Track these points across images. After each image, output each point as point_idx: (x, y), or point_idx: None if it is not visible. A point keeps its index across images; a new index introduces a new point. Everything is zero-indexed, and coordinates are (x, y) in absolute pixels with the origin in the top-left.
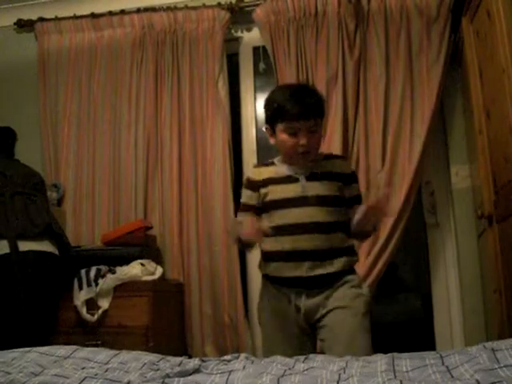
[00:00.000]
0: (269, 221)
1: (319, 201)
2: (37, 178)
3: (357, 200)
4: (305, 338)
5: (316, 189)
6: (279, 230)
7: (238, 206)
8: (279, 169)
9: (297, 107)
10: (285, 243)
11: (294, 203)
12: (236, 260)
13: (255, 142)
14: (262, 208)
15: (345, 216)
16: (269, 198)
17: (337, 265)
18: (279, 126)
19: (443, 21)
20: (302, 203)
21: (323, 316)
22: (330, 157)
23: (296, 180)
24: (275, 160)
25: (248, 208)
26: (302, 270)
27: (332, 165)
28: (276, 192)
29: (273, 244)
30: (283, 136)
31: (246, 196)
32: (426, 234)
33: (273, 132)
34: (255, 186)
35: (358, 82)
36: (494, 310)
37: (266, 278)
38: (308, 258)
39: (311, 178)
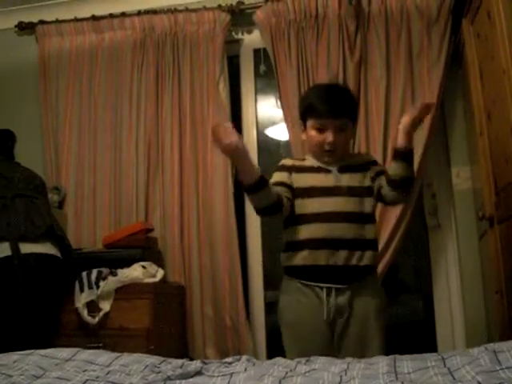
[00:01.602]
0: (299, 208)
1: (351, 191)
2: (38, 181)
3: (382, 172)
4: (330, 336)
5: (348, 180)
6: (310, 218)
7: (239, 208)
8: (310, 161)
9: (326, 105)
10: (318, 231)
11: (327, 192)
12: (237, 262)
13: (256, 143)
14: (294, 193)
15: (373, 207)
16: (300, 184)
17: (368, 258)
18: (309, 122)
19: (444, 22)
20: (335, 193)
21: (347, 323)
22: (354, 154)
23: (327, 171)
24: (306, 156)
25: (279, 184)
26: (339, 258)
27: (359, 158)
28: (307, 180)
29: (303, 232)
30: (312, 132)
31: (278, 176)
32: (428, 236)
33: (304, 128)
34: (287, 169)
35: (359, 84)
36: (495, 311)
37: (290, 273)
38: (343, 247)
39: (342, 169)
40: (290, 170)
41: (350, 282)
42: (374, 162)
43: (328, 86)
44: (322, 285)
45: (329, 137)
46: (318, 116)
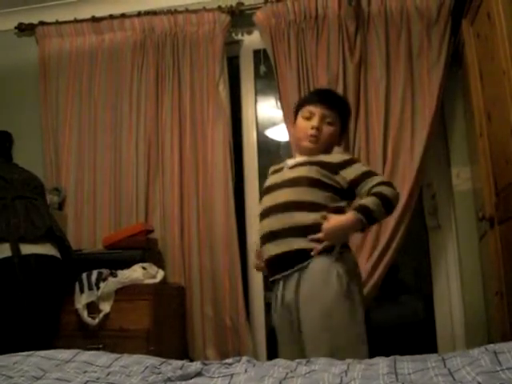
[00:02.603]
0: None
1: (288, 183)
2: (37, 182)
3: (363, 177)
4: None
5: (292, 173)
6: (261, 216)
7: (239, 208)
8: (283, 164)
9: (316, 94)
10: (263, 227)
11: (271, 189)
12: (237, 263)
13: (256, 144)
14: None
15: (324, 199)
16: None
17: (299, 243)
18: (299, 114)
19: (443, 23)
20: (276, 188)
21: (298, 311)
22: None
23: (280, 170)
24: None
25: None
26: (274, 249)
27: (325, 157)
28: (268, 181)
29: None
30: (300, 121)
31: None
32: (428, 237)
33: (295, 122)
34: (268, 175)
35: (359, 85)
36: (495, 312)
37: None
38: (277, 237)
39: (295, 166)
40: (268, 175)
41: (286, 269)
42: (344, 164)
43: (324, 88)
44: (271, 278)
45: (314, 121)
46: (307, 103)
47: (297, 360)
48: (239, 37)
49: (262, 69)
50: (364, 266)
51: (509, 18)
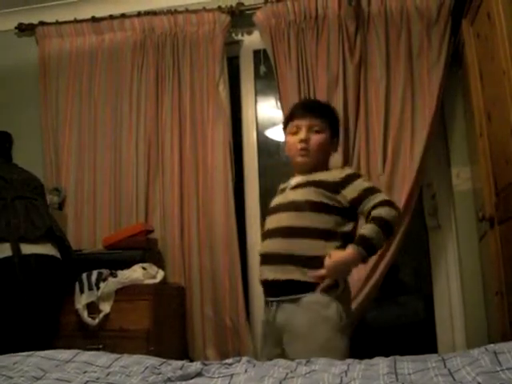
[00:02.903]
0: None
1: (292, 206)
2: (36, 182)
3: (365, 194)
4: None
5: (295, 195)
6: (263, 236)
7: (239, 208)
8: (286, 183)
9: (301, 107)
10: (263, 247)
11: (275, 210)
12: (237, 263)
13: (256, 145)
14: None
15: (328, 224)
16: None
17: (291, 272)
18: (287, 130)
19: (443, 23)
20: (280, 210)
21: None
22: (331, 169)
23: (285, 189)
24: None
25: None
26: (266, 273)
27: (325, 174)
28: (273, 201)
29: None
30: (289, 138)
31: None
32: (428, 237)
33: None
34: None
35: (359, 85)
36: (495, 312)
37: None
38: (274, 262)
39: (296, 186)
40: (277, 193)
41: (277, 295)
42: (344, 182)
43: (309, 99)
44: (266, 299)
45: (301, 134)
46: (292, 118)
47: (297, 360)
48: (239, 37)
49: (262, 69)
50: (364, 266)
51: (509, 18)
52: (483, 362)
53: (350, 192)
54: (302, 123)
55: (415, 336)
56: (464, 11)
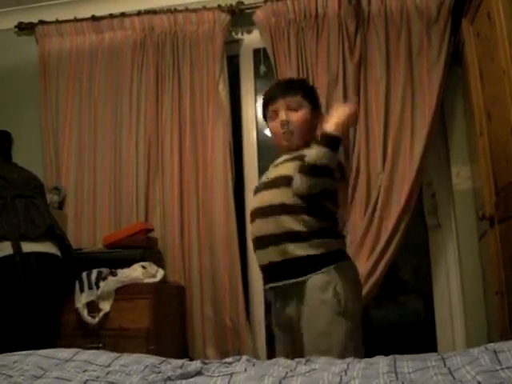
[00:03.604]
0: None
1: (272, 183)
2: (36, 181)
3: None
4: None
5: (274, 172)
6: (250, 217)
7: (239, 208)
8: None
9: (274, 88)
10: (252, 231)
11: (257, 190)
12: (237, 263)
13: (256, 144)
14: None
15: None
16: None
17: (294, 251)
18: (267, 116)
19: (443, 22)
20: (260, 189)
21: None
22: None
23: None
24: None
25: None
26: (262, 257)
27: (306, 150)
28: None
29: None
30: (270, 125)
31: None
32: (427, 236)
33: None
34: None
35: (359, 84)
36: (495, 311)
37: None
38: (268, 243)
39: (277, 164)
40: None
41: (282, 278)
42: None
43: (278, 81)
44: (268, 286)
45: (281, 116)
46: (269, 103)
47: (296, 359)
48: (239, 36)
49: (262, 68)
50: (364, 264)
51: (509, 17)
52: (483, 361)
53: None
54: (278, 105)
55: (415, 335)
56: (464, 10)
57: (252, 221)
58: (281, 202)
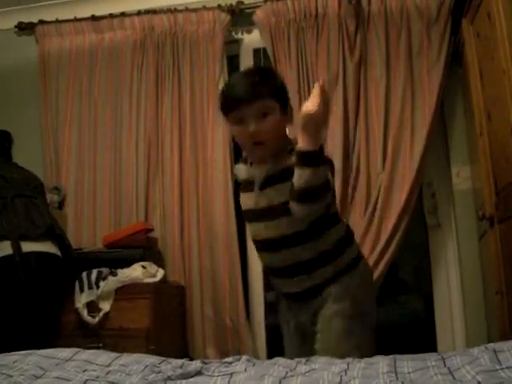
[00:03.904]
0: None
1: (272, 214)
2: (36, 181)
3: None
4: None
5: (267, 199)
6: (256, 246)
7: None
8: (244, 170)
9: (236, 91)
10: (266, 260)
11: (257, 217)
12: (237, 263)
13: None
14: None
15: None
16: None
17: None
18: (228, 119)
19: (443, 22)
20: (259, 217)
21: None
22: (289, 148)
23: (253, 187)
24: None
25: None
26: (285, 287)
27: (287, 161)
28: (242, 200)
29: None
30: (234, 128)
31: None
32: (427, 236)
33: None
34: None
35: (359, 84)
36: (495, 311)
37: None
38: (282, 275)
39: (266, 183)
40: (239, 177)
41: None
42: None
43: (240, 72)
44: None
45: (249, 127)
46: (231, 107)
47: (296, 359)
48: (239, 36)
49: None
50: None
51: (509, 17)
52: (483, 361)
53: None
54: (245, 113)
55: (415, 334)
56: (464, 10)
57: (263, 251)
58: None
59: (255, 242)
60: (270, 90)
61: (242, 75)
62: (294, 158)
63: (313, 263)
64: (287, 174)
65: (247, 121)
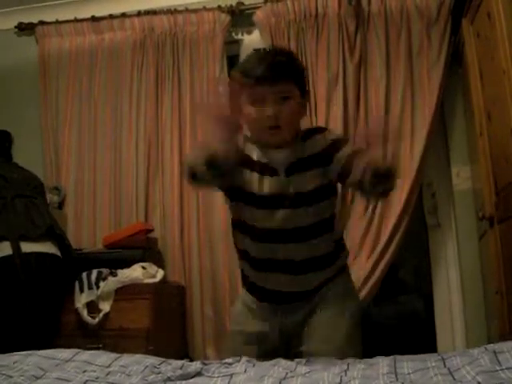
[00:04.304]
0: (239, 215)
1: (302, 200)
2: (36, 181)
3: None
4: None
5: (299, 184)
6: (252, 231)
7: None
8: (254, 151)
9: (259, 68)
10: (260, 252)
11: (275, 203)
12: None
13: None
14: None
15: (330, 210)
16: (242, 186)
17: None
18: (243, 98)
19: (443, 22)
20: (281, 204)
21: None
22: (309, 134)
23: (274, 172)
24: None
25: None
26: (280, 285)
27: (313, 144)
28: (251, 182)
29: (244, 245)
30: (247, 108)
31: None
32: (427, 236)
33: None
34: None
35: (359, 84)
36: (495, 311)
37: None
38: (286, 270)
39: (292, 169)
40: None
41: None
42: (334, 146)
43: (262, 50)
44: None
45: (268, 109)
46: (251, 84)
47: (296, 360)
48: (239, 36)
49: None
50: (364, 264)
51: (509, 17)
52: (483, 362)
53: (337, 162)
54: (266, 93)
55: (415, 335)
56: (464, 10)
57: (263, 241)
58: (313, 222)
59: (255, 229)
60: (293, 73)
61: (264, 53)
62: (318, 146)
63: (327, 258)
64: (314, 161)
65: (267, 102)
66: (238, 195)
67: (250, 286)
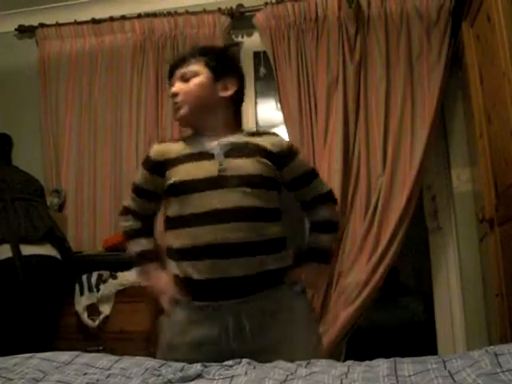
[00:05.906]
0: (178, 209)
1: (242, 182)
2: (36, 184)
3: (306, 179)
4: None
5: (238, 166)
6: (189, 220)
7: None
8: (189, 144)
9: (173, 60)
10: (198, 236)
11: (210, 185)
12: None
13: None
14: (166, 193)
15: (274, 203)
16: (177, 179)
17: (270, 262)
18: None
19: (443, 25)
20: (221, 185)
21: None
22: (257, 133)
23: (211, 156)
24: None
25: (141, 193)
26: (222, 269)
27: (260, 139)
28: (186, 172)
29: (180, 239)
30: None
31: (142, 176)
32: (428, 238)
33: None
34: (157, 167)
35: (359, 86)
36: (496, 313)
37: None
38: (224, 253)
39: (230, 153)
40: (161, 167)
41: (243, 295)
42: (289, 154)
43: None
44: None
45: (171, 89)
46: (168, 76)
47: (297, 362)
48: (239, 39)
49: (262, 71)
50: (364, 267)
51: (508, 20)
52: (483, 364)
53: (290, 172)
54: (174, 78)
55: (415, 337)
56: (464, 13)
57: (196, 225)
58: (257, 205)
59: (193, 216)
60: (196, 57)
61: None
62: (250, 136)
63: (265, 245)
64: (250, 150)
65: (174, 84)
66: (175, 190)
67: (186, 283)
